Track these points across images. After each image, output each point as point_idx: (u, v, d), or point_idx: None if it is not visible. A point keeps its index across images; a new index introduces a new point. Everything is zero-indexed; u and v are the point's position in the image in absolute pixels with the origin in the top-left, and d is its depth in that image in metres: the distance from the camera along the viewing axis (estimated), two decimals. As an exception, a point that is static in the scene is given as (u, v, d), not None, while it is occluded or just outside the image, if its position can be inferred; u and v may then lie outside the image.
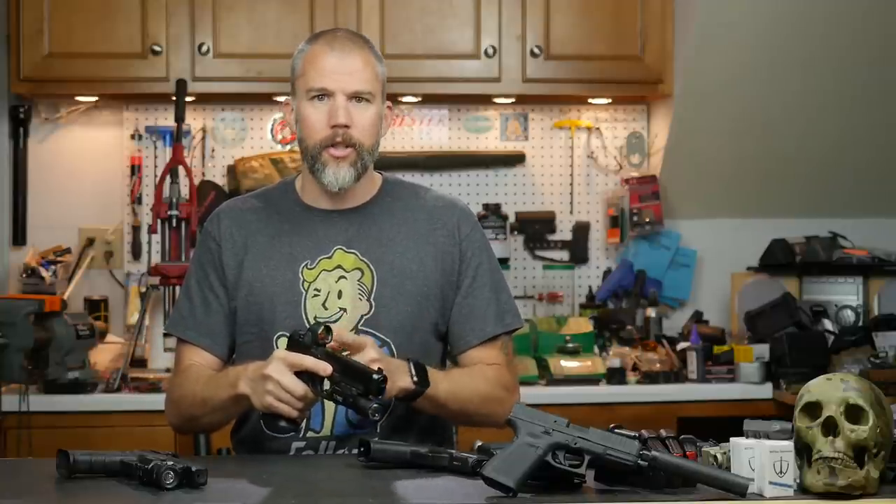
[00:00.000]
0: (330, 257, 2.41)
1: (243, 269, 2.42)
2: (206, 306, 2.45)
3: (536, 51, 4.12)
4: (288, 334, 2.28)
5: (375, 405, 2.10)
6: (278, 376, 2.16)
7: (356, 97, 2.36)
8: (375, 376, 2.10)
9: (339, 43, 2.38)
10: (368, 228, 2.43)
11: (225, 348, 2.45)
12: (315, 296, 2.38)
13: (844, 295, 4.35)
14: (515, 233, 4.44)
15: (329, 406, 2.36)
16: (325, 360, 2.15)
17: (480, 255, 2.47)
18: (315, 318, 2.36)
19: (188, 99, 4.10)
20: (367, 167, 2.40)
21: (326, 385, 2.16)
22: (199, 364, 2.43)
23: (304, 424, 2.36)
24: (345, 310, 2.38)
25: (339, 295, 2.38)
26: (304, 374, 2.16)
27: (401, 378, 2.25)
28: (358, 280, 2.39)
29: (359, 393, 2.11)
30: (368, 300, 2.39)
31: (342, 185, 2.37)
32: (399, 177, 2.58)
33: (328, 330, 2.19)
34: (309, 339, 2.18)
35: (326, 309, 2.37)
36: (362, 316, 2.38)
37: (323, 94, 2.36)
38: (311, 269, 2.40)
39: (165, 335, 3.93)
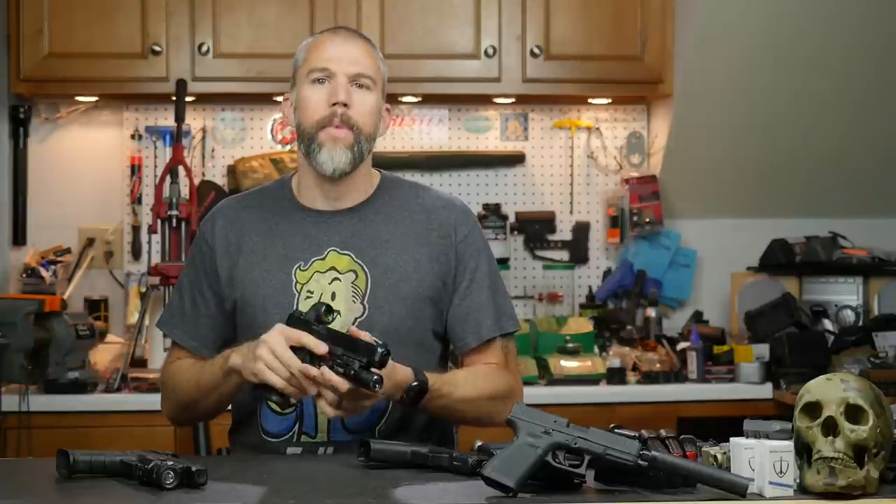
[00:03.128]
0: (323, 259, 2.38)
1: (236, 270, 2.41)
2: (194, 308, 2.45)
3: (536, 51, 4.12)
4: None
5: (377, 377, 2.09)
6: (273, 344, 2.15)
7: (357, 83, 2.35)
8: (380, 349, 2.10)
9: (342, 32, 2.44)
10: (363, 230, 2.40)
11: (212, 351, 2.41)
12: (308, 297, 2.36)
13: (844, 295, 4.35)
14: (515, 233, 4.44)
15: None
16: (327, 337, 2.14)
17: (478, 257, 2.44)
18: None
19: (188, 99, 4.10)
20: (363, 155, 2.37)
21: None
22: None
23: (297, 428, 2.36)
24: (338, 312, 2.34)
25: (333, 297, 2.36)
26: (302, 352, 2.15)
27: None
28: (352, 282, 2.37)
29: (361, 365, 2.11)
30: (362, 302, 2.36)
31: (337, 166, 2.34)
32: (398, 175, 2.56)
33: (330, 310, 2.18)
34: (311, 317, 2.17)
35: None
36: (356, 318, 2.35)
37: (324, 78, 2.35)
38: (304, 270, 2.38)
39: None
